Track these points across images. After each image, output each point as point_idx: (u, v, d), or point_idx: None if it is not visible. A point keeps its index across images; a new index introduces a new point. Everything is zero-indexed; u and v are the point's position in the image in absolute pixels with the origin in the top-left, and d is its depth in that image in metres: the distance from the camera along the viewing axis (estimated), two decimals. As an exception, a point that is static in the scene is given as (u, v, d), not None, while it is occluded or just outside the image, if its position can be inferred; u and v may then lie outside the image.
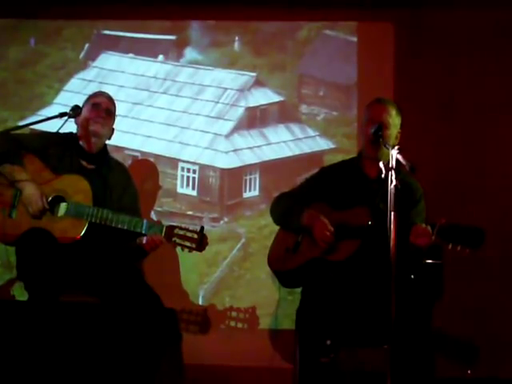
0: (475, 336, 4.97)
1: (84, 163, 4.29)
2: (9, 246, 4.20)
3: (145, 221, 4.09)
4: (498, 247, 4.97)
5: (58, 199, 4.13)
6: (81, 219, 4.06)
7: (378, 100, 4.21)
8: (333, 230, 4.03)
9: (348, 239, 4.01)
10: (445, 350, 4.37)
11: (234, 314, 5.13)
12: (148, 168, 5.22)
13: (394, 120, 4.14)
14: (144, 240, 4.12)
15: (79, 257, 4.12)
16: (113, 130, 4.39)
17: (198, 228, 4.06)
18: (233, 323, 5.13)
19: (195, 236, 4.03)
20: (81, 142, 4.30)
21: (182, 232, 4.04)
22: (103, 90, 4.99)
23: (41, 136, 4.43)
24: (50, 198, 4.10)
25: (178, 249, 4.06)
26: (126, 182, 4.39)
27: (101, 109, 4.30)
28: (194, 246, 4.02)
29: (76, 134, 4.32)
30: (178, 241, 4.03)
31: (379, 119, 4.09)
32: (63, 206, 4.12)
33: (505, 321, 5.02)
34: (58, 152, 4.26)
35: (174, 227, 4.06)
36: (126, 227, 4.06)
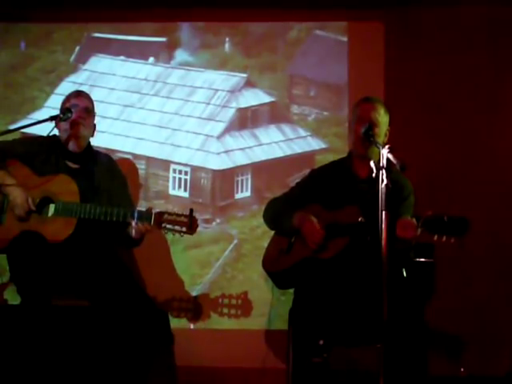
0: (466, 334, 4.99)
1: (70, 164, 4.30)
2: (0, 253, 4.20)
3: (135, 210, 4.09)
4: (489, 243, 5.02)
5: (47, 201, 4.14)
6: (70, 219, 4.07)
7: (366, 99, 4.23)
8: (321, 229, 4.04)
9: (337, 237, 4.02)
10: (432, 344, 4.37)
11: (225, 301, 5.12)
12: (127, 167, 5.15)
13: (383, 118, 4.16)
14: (132, 229, 4.11)
15: (70, 258, 4.12)
16: (94, 126, 4.40)
17: (187, 212, 4.04)
18: (225, 310, 5.11)
19: (185, 220, 4.00)
20: (64, 144, 4.30)
21: (171, 217, 4.02)
22: (94, 92, 5.02)
23: (24, 142, 4.46)
24: (38, 200, 4.11)
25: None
26: (112, 172, 4.41)
27: (79, 109, 4.29)
28: (184, 229, 4.01)
29: (59, 136, 4.32)
30: (168, 226, 4.02)
31: (368, 118, 4.10)
32: (52, 207, 4.13)
33: (497, 318, 5.04)
34: (43, 156, 4.27)
35: (162, 213, 4.04)
36: (115, 219, 4.06)
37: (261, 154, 5.30)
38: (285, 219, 4.20)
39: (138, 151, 5.35)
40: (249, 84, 5.36)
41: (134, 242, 4.23)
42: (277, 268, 4.25)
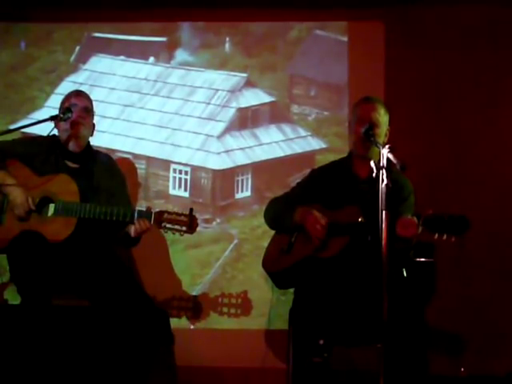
0: (466, 334, 5.00)
1: (69, 163, 4.30)
2: (0, 253, 4.20)
3: (136, 210, 4.10)
4: (489, 243, 5.03)
5: (47, 201, 4.14)
6: (70, 218, 4.07)
7: (366, 99, 4.22)
8: (325, 223, 4.03)
9: (337, 236, 4.02)
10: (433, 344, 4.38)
11: (225, 300, 5.12)
12: (126, 167, 5.13)
13: (383, 118, 4.16)
14: (131, 228, 4.12)
15: (70, 258, 4.12)
16: (93, 125, 4.40)
17: (187, 211, 4.05)
18: (225, 309, 5.12)
19: (185, 219, 4.02)
20: (64, 144, 4.30)
21: (171, 216, 4.04)
22: (94, 92, 5.03)
23: (23, 142, 4.47)
24: (38, 200, 4.11)
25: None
26: (111, 172, 4.41)
27: (79, 109, 4.29)
28: (184, 228, 4.02)
29: (58, 136, 4.32)
30: (168, 225, 4.03)
31: (369, 118, 4.10)
32: (51, 207, 4.13)
33: (497, 318, 5.04)
34: (42, 155, 4.27)
35: (162, 212, 4.05)
36: (115, 218, 4.06)
37: (261, 154, 5.30)
38: (286, 216, 4.19)
39: (138, 151, 5.35)
40: (249, 84, 5.36)
41: (133, 241, 4.23)
42: (277, 268, 4.24)
